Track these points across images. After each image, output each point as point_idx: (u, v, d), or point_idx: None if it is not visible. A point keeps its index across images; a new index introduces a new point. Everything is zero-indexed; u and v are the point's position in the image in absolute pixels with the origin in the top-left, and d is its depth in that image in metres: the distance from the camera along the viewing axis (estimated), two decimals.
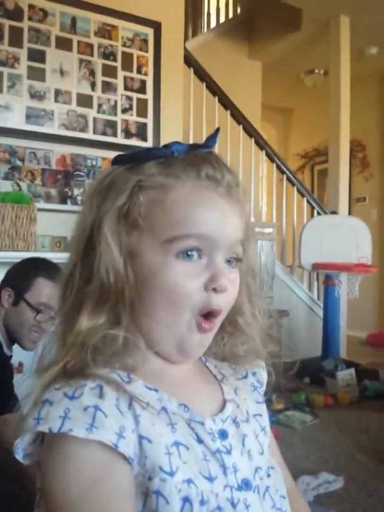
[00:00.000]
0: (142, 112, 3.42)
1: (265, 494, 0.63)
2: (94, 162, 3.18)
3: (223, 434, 0.61)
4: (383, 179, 5.85)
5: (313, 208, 4.58)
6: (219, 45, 5.02)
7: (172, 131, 3.52)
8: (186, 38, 4.31)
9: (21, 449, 0.56)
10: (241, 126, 4.16)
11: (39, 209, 2.74)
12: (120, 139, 3.31)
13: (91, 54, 3.23)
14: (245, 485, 0.60)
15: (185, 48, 3.80)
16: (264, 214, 4.49)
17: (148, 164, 0.60)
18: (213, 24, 5.23)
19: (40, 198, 2.97)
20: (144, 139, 3.41)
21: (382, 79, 5.82)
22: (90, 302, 0.57)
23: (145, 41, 3.46)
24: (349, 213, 4.72)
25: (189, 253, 0.58)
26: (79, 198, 3.11)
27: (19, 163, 2.93)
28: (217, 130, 0.66)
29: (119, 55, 3.34)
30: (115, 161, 0.63)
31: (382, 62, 5.39)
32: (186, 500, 0.54)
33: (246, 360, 0.72)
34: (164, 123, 3.48)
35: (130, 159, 0.62)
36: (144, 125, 3.42)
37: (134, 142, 3.36)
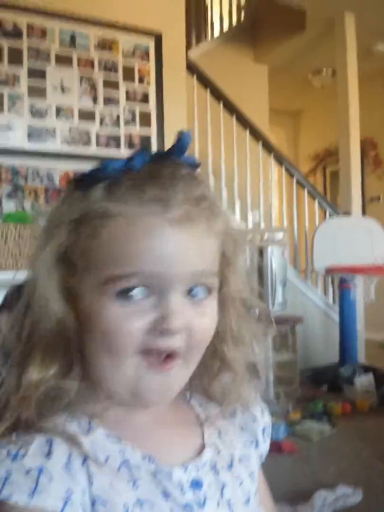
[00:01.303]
0: (145, 123, 3.41)
1: None
2: None
3: (196, 484, 0.55)
4: None
5: (325, 210, 4.51)
6: (224, 51, 4.99)
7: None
8: (189, 47, 4.29)
9: None
10: (247, 130, 4.11)
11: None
12: (123, 152, 3.30)
13: (92, 68, 3.23)
14: None
15: (187, 56, 3.79)
16: (275, 219, 4.43)
17: (96, 187, 0.51)
18: (217, 31, 5.21)
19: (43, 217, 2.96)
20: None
21: None
22: (38, 352, 0.52)
23: (146, 52, 3.45)
24: (363, 213, 4.62)
25: (130, 293, 0.50)
26: None
27: (21, 182, 2.94)
28: (183, 135, 0.53)
29: (120, 67, 3.34)
30: (69, 185, 0.54)
31: None
32: None
33: (233, 399, 0.63)
34: (168, 133, 3.46)
35: (81, 181, 0.53)
36: (148, 137, 3.40)
37: None
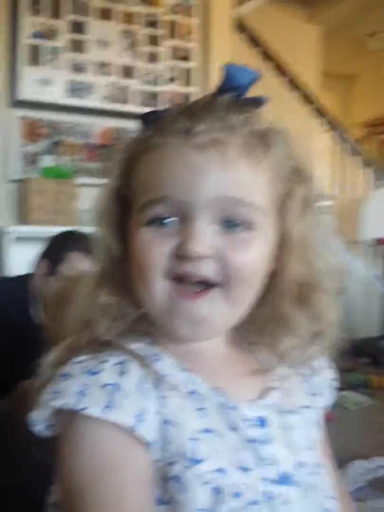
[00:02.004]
0: (187, 82, 3.30)
1: (310, 492, 0.56)
2: None
3: (262, 422, 0.55)
4: None
5: (377, 180, 4.31)
6: (274, 10, 4.76)
7: None
8: (239, 2, 4.12)
9: (41, 420, 0.52)
10: (297, 93, 3.93)
11: (81, 185, 2.71)
12: None
13: (134, 23, 3.14)
14: (285, 479, 0.54)
15: (235, 13, 3.64)
16: (324, 186, 4.26)
17: (149, 125, 0.56)
18: None
19: (81, 173, 2.94)
20: None
21: None
22: (106, 282, 0.56)
23: (190, 7, 3.32)
24: None
25: (160, 220, 0.52)
26: None
27: (60, 138, 2.91)
28: (226, 69, 0.54)
29: (163, 23, 3.23)
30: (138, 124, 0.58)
31: None
32: (217, 491, 0.49)
33: (298, 357, 0.61)
34: None
35: (143, 119, 0.57)
36: (188, 95, 3.30)
37: None
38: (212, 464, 0.50)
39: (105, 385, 0.48)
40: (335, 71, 5.71)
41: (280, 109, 3.49)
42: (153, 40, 3.20)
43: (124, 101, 3.10)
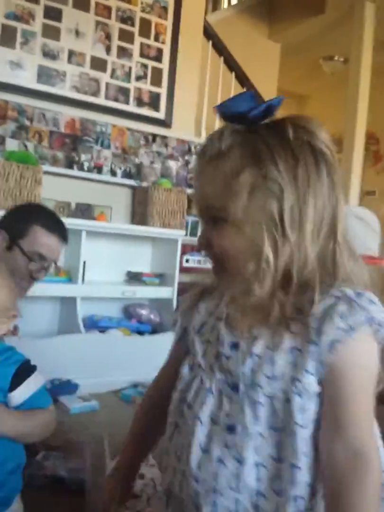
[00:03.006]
0: (156, 81, 3.33)
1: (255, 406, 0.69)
2: (103, 129, 3.10)
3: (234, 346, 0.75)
4: None
5: None
6: (238, 22, 4.89)
7: (186, 103, 3.45)
8: (205, 11, 4.20)
9: None
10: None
11: (45, 172, 2.67)
12: (132, 107, 3.23)
13: (109, 17, 3.14)
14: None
15: (205, 20, 3.71)
16: None
17: None
18: (234, 0, 5.10)
19: (46, 161, 2.89)
20: (157, 108, 3.33)
21: None
22: None
23: (165, 8, 3.37)
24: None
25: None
26: (86, 164, 3.04)
27: (27, 122, 2.86)
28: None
29: (137, 20, 3.25)
30: None
31: None
32: None
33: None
34: (178, 94, 3.40)
35: None
36: (158, 94, 3.34)
37: (145, 111, 3.29)
38: None
39: None
40: (289, 89, 5.89)
41: None
42: (127, 36, 3.21)
43: (94, 93, 3.09)
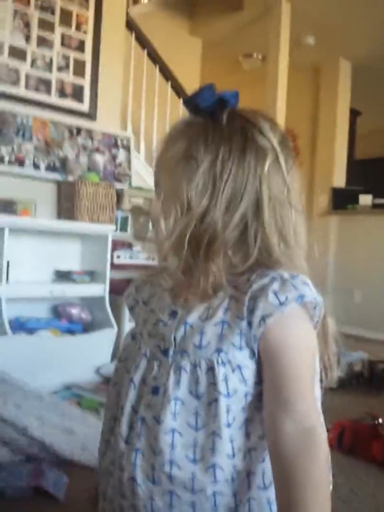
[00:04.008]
0: (79, 72, 3.23)
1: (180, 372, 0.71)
2: (25, 121, 2.95)
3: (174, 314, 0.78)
4: (312, 168, 5.98)
5: None
6: (160, 17, 4.87)
7: (110, 95, 3.37)
8: (128, 4, 4.13)
9: None
10: (181, 100, 4.05)
11: None
12: (54, 99, 3.11)
13: (27, 5, 3.00)
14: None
15: (127, 13, 3.65)
16: None
17: None
18: None
19: None
20: (80, 100, 3.23)
21: (317, 70, 5.91)
22: None
23: None
24: None
25: None
26: (6, 157, 2.88)
27: None
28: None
29: (57, 9, 3.13)
30: None
31: (318, 53, 5.46)
32: None
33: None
34: (102, 86, 3.32)
35: None
36: (81, 86, 3.23)
37: (69, 103, 3.18)
38: None
39: None
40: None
41: (164, 110, 3.57)
42: (47, 26, 3.09)
43: (14, 83, 2.93)
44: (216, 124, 0.74)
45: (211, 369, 0.69)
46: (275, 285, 0.68)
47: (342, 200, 5.41)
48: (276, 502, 0.67)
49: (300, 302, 0.68)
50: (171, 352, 0.73)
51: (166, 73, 3.97)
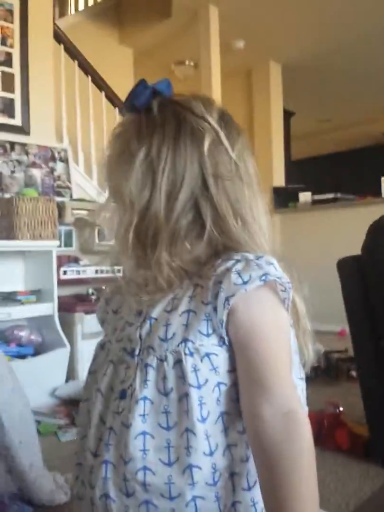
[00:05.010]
0: (8, 87, 3.13)
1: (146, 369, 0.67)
2: None
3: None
4: None
5: None
6: (89, 28, 4.81)
7: (43, 108, 3.28)
8: (59, 15, 4.06)
9: None
10: (116, 109, 4.00)
11: None
12: None
13: None
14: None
15: (54, 24, 3.57)
16: None
17: None
18: (81, 6, 4.99)
19: None
20: (12, 115, 3.13)
21: (249, 74, 5.99)
22: None
23: (10, 11, 3.18)
24: None
25: None
26: None
27: None
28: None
29: None
30: None
31: (248, 56, 5.53)
32: None
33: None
34: (34, 99, 3.23)
35: None
36: (11, 100, 3.13)
37: (0, 118, 3.07)
38: None
39: None
40: None
41: (101, 119, 3.52)
42: None
43: None
44: (148, 115, 0.73)
45: (178, 362, 0.66)
46: (238, 266, 0.66)
47: (283, 199, 5.49)
48: (262, 499, 0.62)
49: (264, 280, 0.65)
50: (137, 351, 0.70)
51: (99, 83, 3.91)
